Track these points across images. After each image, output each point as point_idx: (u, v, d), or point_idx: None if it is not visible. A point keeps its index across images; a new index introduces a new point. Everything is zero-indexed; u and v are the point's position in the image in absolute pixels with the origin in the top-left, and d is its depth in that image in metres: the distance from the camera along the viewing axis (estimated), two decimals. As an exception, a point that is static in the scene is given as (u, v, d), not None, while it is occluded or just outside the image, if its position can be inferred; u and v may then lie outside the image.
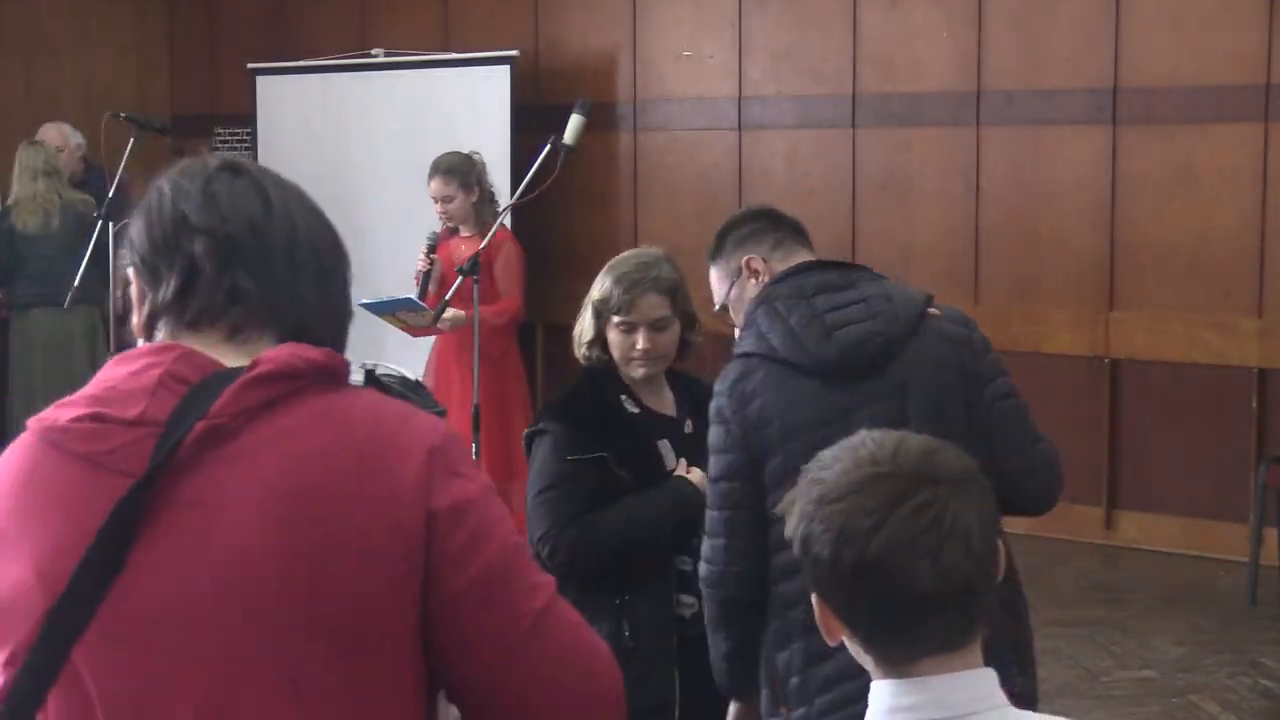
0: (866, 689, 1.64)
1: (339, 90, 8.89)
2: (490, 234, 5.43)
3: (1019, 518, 2.91)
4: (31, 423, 1.55)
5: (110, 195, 6.78)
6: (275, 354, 1.54)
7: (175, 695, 1.47)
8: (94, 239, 6.61)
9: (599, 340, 3.31)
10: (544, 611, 1.55)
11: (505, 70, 8.21)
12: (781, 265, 3.05)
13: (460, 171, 6.09)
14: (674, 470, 3.27)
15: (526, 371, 8.32)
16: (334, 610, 1.47)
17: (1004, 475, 2.80)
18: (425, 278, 6.04)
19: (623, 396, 3.32)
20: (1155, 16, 6.87)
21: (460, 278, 5.22)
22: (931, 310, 2.92)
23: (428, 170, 6.27)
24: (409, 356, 6.91)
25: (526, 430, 3.37)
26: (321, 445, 1.51)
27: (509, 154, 8.01)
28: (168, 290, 1.59)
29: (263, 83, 9.18)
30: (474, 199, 6.11)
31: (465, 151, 6.25)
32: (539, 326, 8.57)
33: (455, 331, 5.98)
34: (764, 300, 2.97)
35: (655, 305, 3.29)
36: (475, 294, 5.37)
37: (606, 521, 3.16)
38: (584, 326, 3.34)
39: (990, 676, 1.61)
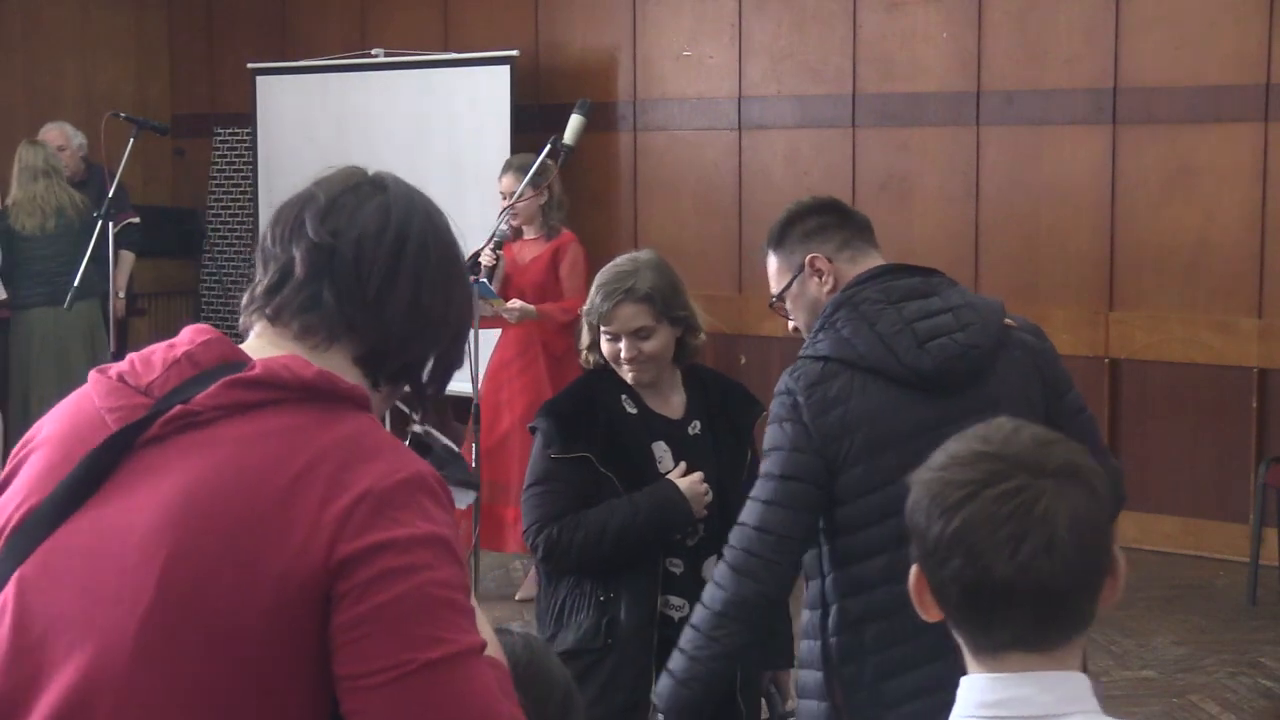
0: (948, 702, 1.62)
1: (339, 90, 8.89)
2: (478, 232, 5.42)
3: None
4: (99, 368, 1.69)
5: (110, 195, 6.78)
6: (269, 361, 1.61)
7: (72, 650, 1.54)
8: (94, 239, 6.61)
9: (597, 346, 3.35)
10: (435, 665, 1.49)
11: (505, 70, 8.20)
12: (849, 266, 2.93)
13: (528, 170, 6.08)
14: (669, 472, 3.26)
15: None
16: (207, 616, 1.51)
17: None
18: (490, 272, 5.96)
19: (623, 396, 3.32)
20: (1155, 16, 6.87)
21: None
22: (1007, 320, 2.87)
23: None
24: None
25: (529, 425, 3.43)
26: (262, 458, 1.55)
27: (509, 154, 8.01)
28: (263, 283, 1.71)
29: (263, 83, 9.18)
30: (541, 200, 6.10)
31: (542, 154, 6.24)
32: (539, 326, 8.58)
33: (520, 330, 6.08)
34: (846, 303, 2.85)
35: (632, 316, 3.27)
36: (475, 293, 5.38)
37: (585, 521, 3.19)
38: (584, 334, 3.39)
39: (1082, 681, 1.57)
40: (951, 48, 7.39)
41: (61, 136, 8.05)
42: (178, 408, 1.58)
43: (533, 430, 3.37)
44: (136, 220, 8.09)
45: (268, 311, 1.69)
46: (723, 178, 8.07)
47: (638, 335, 3.28)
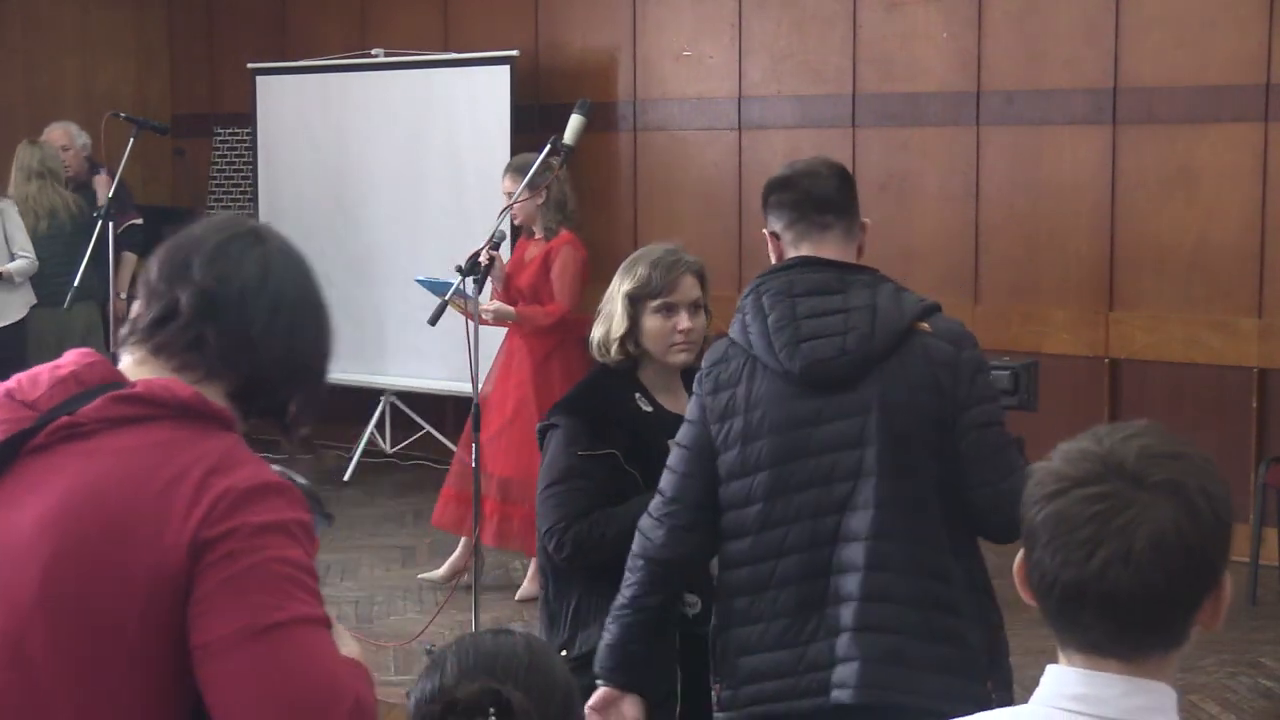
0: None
1: (339, 90, 8.89)
2: (486, 234, 5.42)
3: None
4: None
5: (110, 195, 6.79)
6: (149, 381, 1.80)
7: None
8: (94, 239, 6.61)
9: (633, 334, 3.32)
10: (278, 627, 1.64)
11: (505, 70, 8.21)
12: (790, 248, 3.05)
13: (528, 171, 6.09)
14: None
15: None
16: (88, 611, 1.66)
17: (970, 505, 2.86)
18: (485, 271, 5.99)
19: (637, 395, 3.33)
20: (1155, 16, 6.87)
21: (461, 277, 5.23)
22: (922, 325, 2.87)
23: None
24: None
25: (540, 424, 3.37)
26: (139, 468, 1.72)
27: (509, 154, 8.01)
28: (146, 317, 1.87)
29: (263, 83, 9.18)
30: (539, 201, 6.09)
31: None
32: (539, 326, 8.58)
33: (512, 331, 6.14)
34: (754, 289, 3.00)
35: (692, 286, 3.33)
36: (475, 293, 5.39)
37: (614, 519, 3.18)
38: (614, 323, 3.33)
39: (1169, 693, 1.57)
40: (951, 48, 7.39)
41: (65, 136, 8.05)
42: (63, 419, 1.74)
43: (542, 429, 3.33)
44: (139, 221, 8.10)
45: (150, 345, 1.85)
46: (723, 178, 8.07)
47: (694, 307, 3.32)
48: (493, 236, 5.82)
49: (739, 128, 8.01)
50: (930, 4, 7.42)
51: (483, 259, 5.81)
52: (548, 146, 5.16)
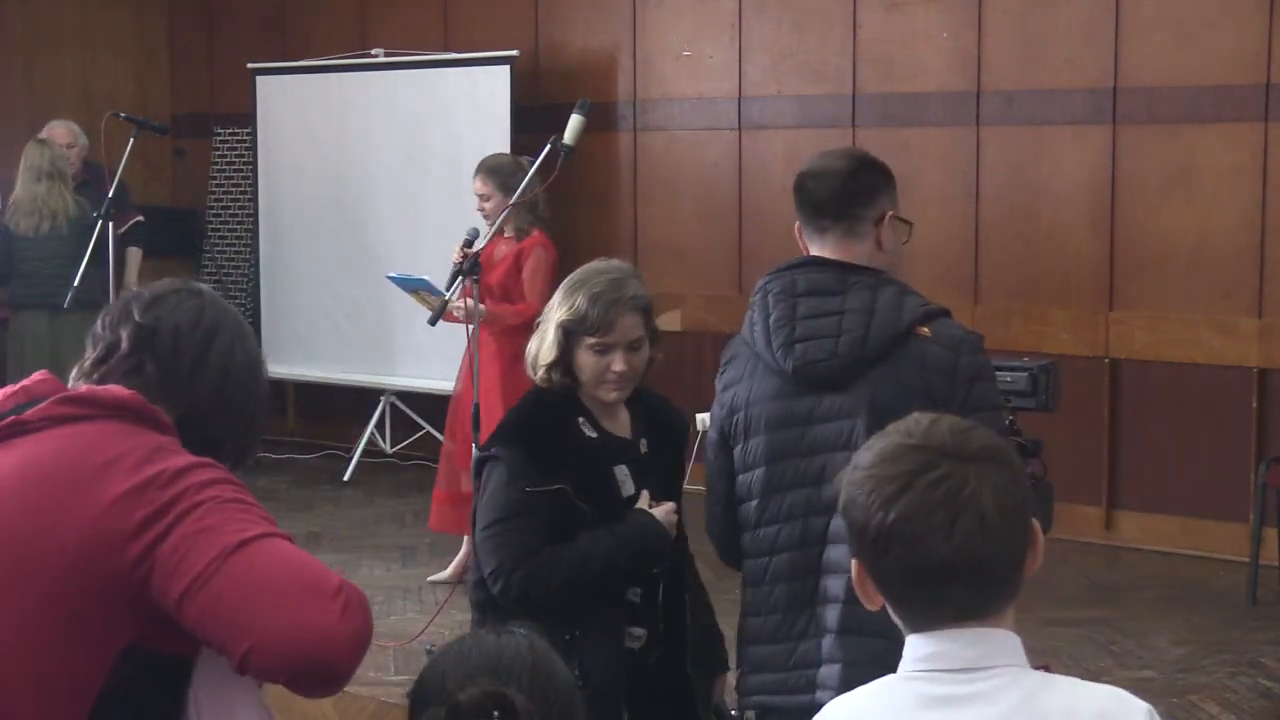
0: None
1: (339, 90, 8.89)
2: (484, 234, 5.42)
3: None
4: None
5: (110, 195, 6.78)
6: (93, 387, 2.03)
7: None
8: (94, 239, 6.60)
9: (562, 362, 3.08)
10: (249, 542, 1.85)
11: (505, 70, 8.20)
12: (807, 247, 3.09)
13: (501, 173, 6.17)
14: (635, 499, 3.11)
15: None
16: (28, 560, 1.88)
17: None
18: (456, 270, 6.03)
19: (580, 419, 3.11)
20: (1155, 16, 6.87)
21: (461, 278, 5.23)
22: (922, 330, 2.85)
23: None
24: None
25: (477, 454, 3.13)
26: (82, 447, 1.93)
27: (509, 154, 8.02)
28: (91, 357, 2.11)
29: (263, 83, 9.18)
30: (511, 201, 6.11)
31: (517, 156, 6.29)
32: (539, 326, 8.58)
33: (484, 330, 6.10)
34: (762, 288, 3.04)
35: (633, 326, 3.08)
36: (476, 293, 5.39)
37: (563, 558, 2.98)
38: (544, 347, 3.09)
39: (1013, 639, 1.70)
40: (951, 48, 7.39)
41: (70, 134, 8.01)
42: (11, 418, 1.99)
43: (480, 460, 3.09)
44: (142, 219, 8.10)
45: (94, 377, 2.08)
46: (723, 178, 8.06)
47: (632, 347, 3.08)
48: (467, 235, 5.98)
49: (739, 128, 8.01)
50: (930, 4, 7.42)
51: (455, 258, 5.94)
52: (548, 146, 5.15)
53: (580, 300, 3.07)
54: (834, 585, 2.85)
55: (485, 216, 6.17)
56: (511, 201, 5.71)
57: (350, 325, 8.79)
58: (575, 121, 5.11)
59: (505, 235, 6.24)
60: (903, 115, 7.53)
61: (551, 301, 3.15)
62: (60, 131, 7.99)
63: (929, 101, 7.46)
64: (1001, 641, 1.69)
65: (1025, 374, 3.79)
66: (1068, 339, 7.15)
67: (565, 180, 6.48)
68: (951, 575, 1.64)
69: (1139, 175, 6.96)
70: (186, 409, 2.07)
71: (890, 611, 1.73)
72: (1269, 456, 6.43)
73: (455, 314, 5.91)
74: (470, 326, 5.39)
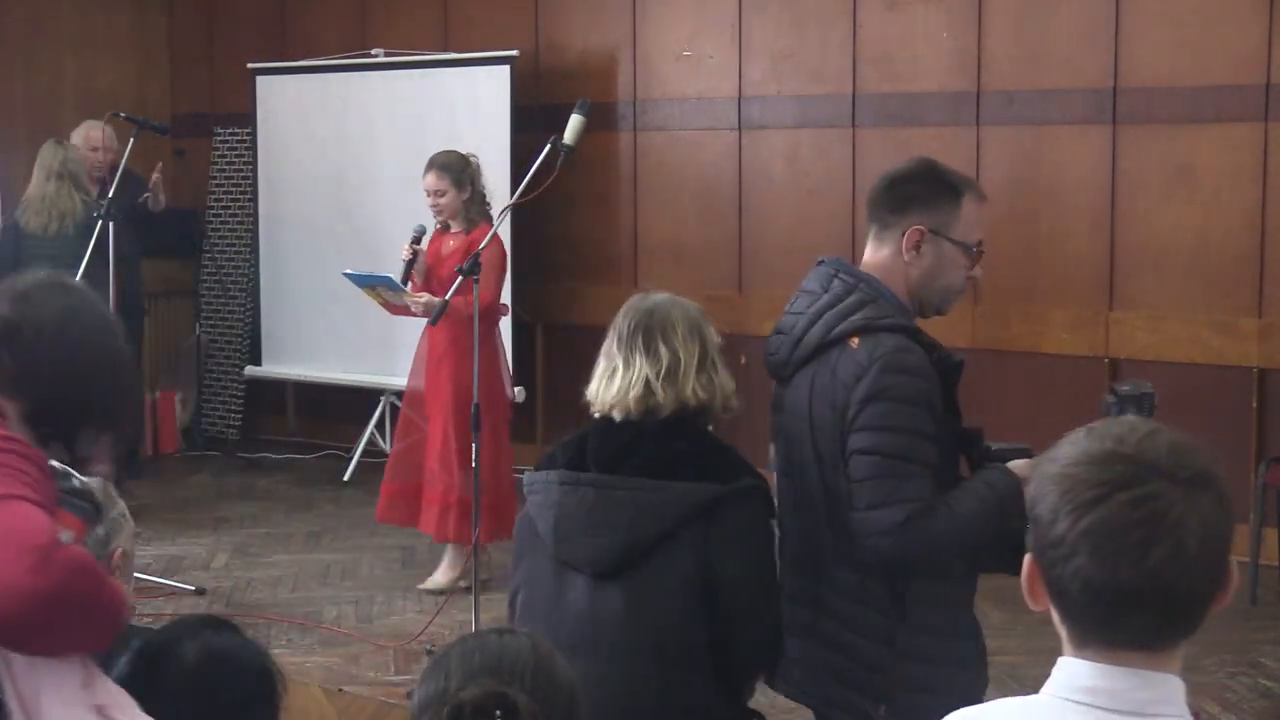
0: None
1: (339, 90, 8.89)
2: (490, 233, 5.43)
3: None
4: None
5: (110, 195, 6.77)
6: None
7: None
8: (94, 238, 6.60)
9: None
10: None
11: (505, 70, 8.21)
12: None
13: (454, 169, 6.27)
14: None
15: (523, 372, 8.33)
16: None
17: (847, 522, 2.90)
18: (408, 266, 6.27)
19: None
20: (1155, 16, 6.87)
21: (460, 277, 5.23)
22: (852, 341, 2.88)
23: (423, 170, 6.41)
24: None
25: (721, 488, 2.92)
26: None
27: (509, 154, 8.01)
28: None
29: (263, 83, 9.18)
30: (465, 197, 6.27)
31: (464, 152, 6.35)
32: (539, 327, 8.58)
33: (443, 323, 6.14)
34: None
35: None
36: (475, 293, 5.39)
37: None
38: (724, 381, 3.05)
39: (1178, 684, 1.60)
40: (951, 48, 7.39)
41: (103, 138, 7.95)
42: None
43: (745, 490, 2.95)
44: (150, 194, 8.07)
45: None
46: (723, 178, 8.07)
47: None
48: (415, 231, 6.24)
49: (739, 128, 8.01)
50: (930, 4, 7.42)
51: (404, 254, 6.21)
52: (547, 146, 5.15)
53: (712, 330, 3.11)
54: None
55: (438, 212, 6.29)
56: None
57: (350, 325, 8.78)
58: (575, 121, 5.11)
59: (454, 229, 6.31)
60: (903, 115, 7.54)
61: (685, 347, 3.04)
62: (95, 134, 7.92)
63: (929, 101, 7.46)
64: (1172, 689, 1.60)
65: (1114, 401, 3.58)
66: (1068, 339, 7.16)
67: (565, 180, 6.48)
68: (1136, 601, 1.53)
69: (1139, 175, 6.96)
70: (40, 404, 2.18)
71: (1056, 620, 1.63)
72: (1269, 456, 6.43)
73: (414, 309, 6.13)
74: (472, 319, 5.40)
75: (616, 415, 3.02)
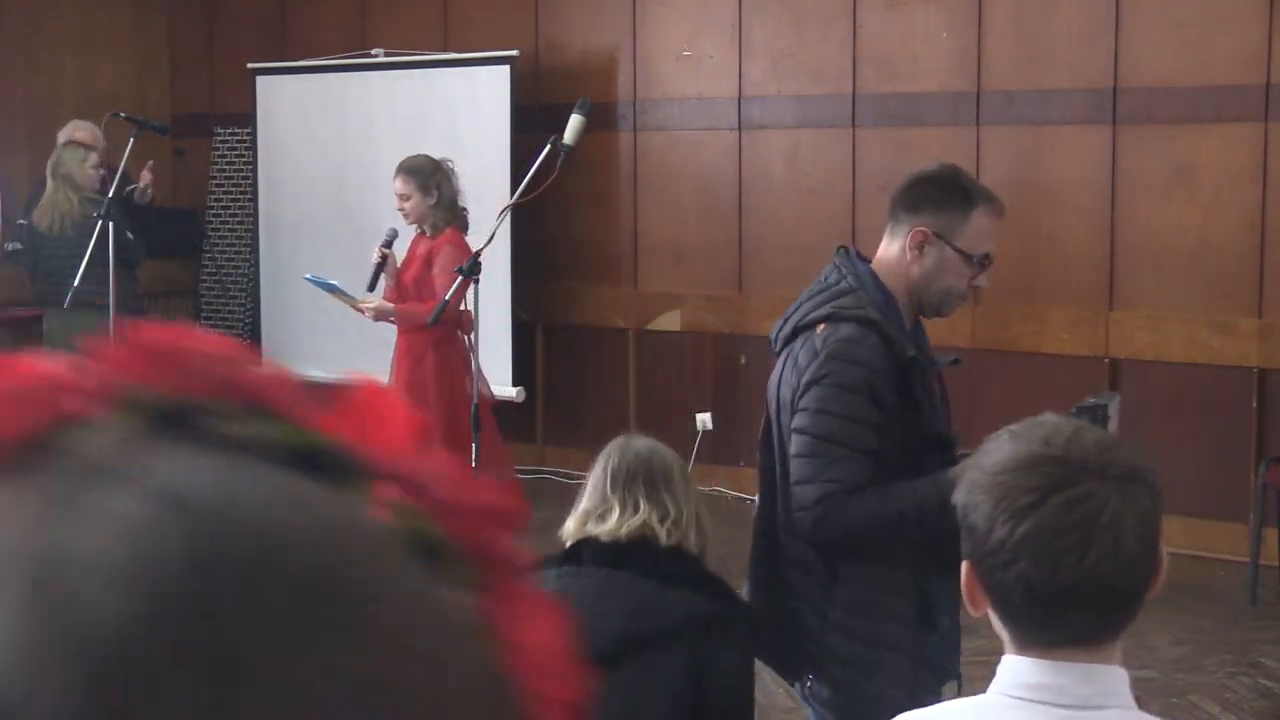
0: None
1: (339, 90, 8.89)
2: (498, 229, 5.43)
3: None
4: None
5: (110, 195, 6.77)
6: None
7: None
8: (94, 239, 6.59)
9: None
10: None
11: (505, 70, 8.20)
12: None
13: (420, 174, 6.27)
14: None
15: (523, 372, 8.33)
16: None
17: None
18: (377, 270, 6.25)
19: None
20: (1155, 16, 6.87)
21: (460, 277, 5.23)
22: (820, 326, 3.00)
23: (401, 174, 6.44)
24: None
25: (735, 610, 2.98)
26: None
27: (509, 154, 8.01)
28: None
29: (263, 83, 9.17)
30: (430, 202, 6.23)
31: (438, 157, 6.35)
32: (539, 327, 8.57)
33: (404, 329, 6.22)
34: None
35: None
36: (475, 293, 5.39)
37: None
38: (709, 527, 3.09)
39: (1121, 676, 1.62)
40: (951, 48, 7.39)
41: (93, 137, 7.99)
42: None
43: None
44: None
45: None
46: (723, 178, 8.06)
47: None
48: (387, 235, 6.22)
49: (739, 128, 8.01)
50: (930, 4, 7.42)
51: (375, 257, 6.20)
52: (547, 146, 5.15)
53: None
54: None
55: (405, 216, 6.28)
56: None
57: (350, 325, 8.76)
58: (575, 121, 5.11)
59: (423, 234, 6.31)
60: (903, 115, 7.53)
61: (685, 498, 3.04)
62: (84, 134, 7.96)
63: (929, 101, 7.46)
64: (1115, 681, 1.61)
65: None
66: (1067, 339, 7.15)
67: (565, 180, 6.48)
68: (1076, 599, 1.56)
69: (1139, 175, 6.96)
70: None
71: (996, 623, 1.64)
72: (1269, 456, 6.43)
73: (367, 314, 6.17)
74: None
75: (605, 539, 2.91)
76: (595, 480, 2.98)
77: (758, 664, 3.04)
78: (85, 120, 7.96)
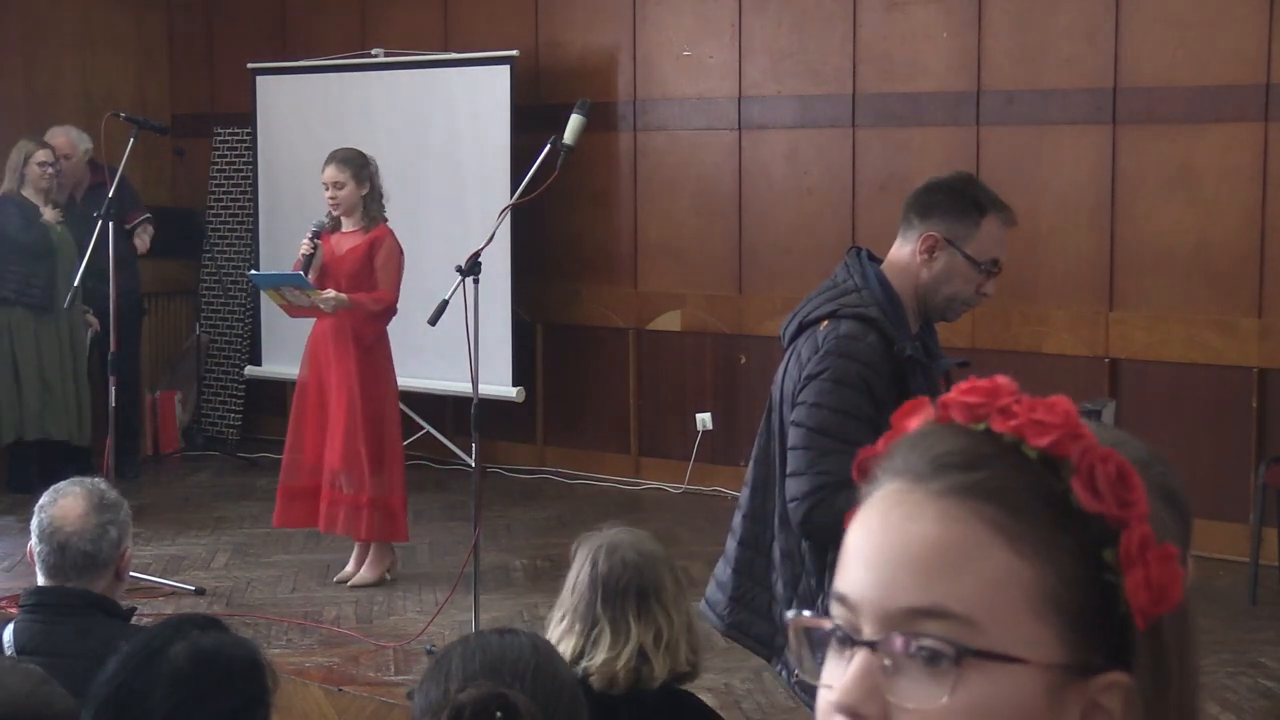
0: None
1: (339, 90, 8.89)
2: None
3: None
4: None
5: (110, 195, 6.77)
6: None
7: None
8: (94, 239, 6.59)
9: None
10: None
11: (505, 70, 8.20)
12: None
13: (354, 163, 6.31)
14: None
15: (523, 372, 8.33)
16: None
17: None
18: (307, 262, 6.30)
19: None
20: (1155, 16, 6.87)
21: (462, 277, 5.22)
22: (823, 323, 3.07)
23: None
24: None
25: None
26: None
27: (509, 154, 8.01)
28: None
29: (263, 83, 9.17)
30: (363, 191, 6.30)
31: (365, 152, 6.41)
32: (539, 327, 8.57)
33: (333, 320, 6.26)
34: None
35: None
36: (475, 293, 5.38)
37: None
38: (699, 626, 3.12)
39: None
40: (951, 47, 7.39)
41: (68, 144, 8.03)
42: None
43: None
44: (148, 215, 8.16)
45: None
46: (723, 178, 8.07)
47: None
48: (313, 227, 6.27)
49: (739, 128, 8.01)
50: (930, 4, 7.42)
51: (304, 249, 6.25)
52: (547, 146, 5.16)
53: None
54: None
55: (335, 205, 6.29)
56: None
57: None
58: (575, 121, 5.11)
59: (349, 228, 6.36)
60: (903, 115, 7.54)
61: (676, 608, 2.98)
62: (60, 140, 7.99)
63: (929, 101, 7.47)
64: None
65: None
66: (1068, 339, 7.16)
67: (565, 180, 6.48)
68: None
69: (1139, 175, 6.96)
70: None
71: None
72: (1269, 456, 6.43)
73: (323, 308, 6.16)
74: (473, 325, 5.39)
75: (596, 684, 2.76)
76: (581, 587, 2.83)
77: (758, 663, 3.04)
78: (61, 127, 8.06)
